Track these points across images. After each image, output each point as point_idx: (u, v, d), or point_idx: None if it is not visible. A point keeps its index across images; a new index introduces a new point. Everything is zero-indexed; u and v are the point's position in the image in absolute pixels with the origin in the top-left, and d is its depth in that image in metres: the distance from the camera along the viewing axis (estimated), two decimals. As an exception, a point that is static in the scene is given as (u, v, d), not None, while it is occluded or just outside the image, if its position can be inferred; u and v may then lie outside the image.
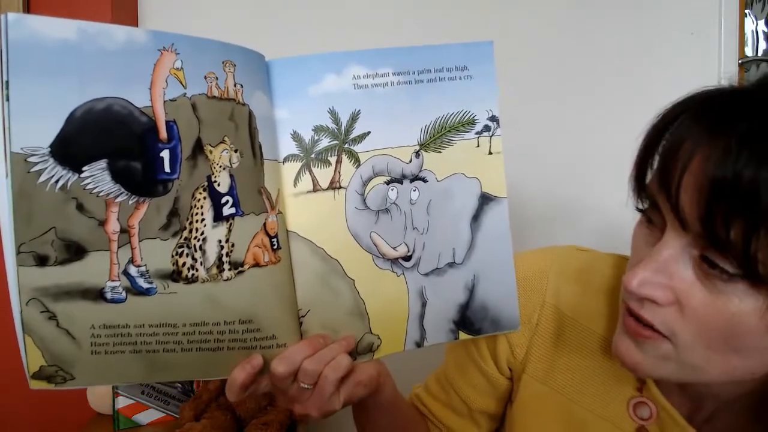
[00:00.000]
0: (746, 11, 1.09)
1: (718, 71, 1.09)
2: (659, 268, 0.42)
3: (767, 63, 1.07)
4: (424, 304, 0.56)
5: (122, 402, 1.00)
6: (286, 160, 0.52)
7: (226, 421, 0.89)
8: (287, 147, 0.52)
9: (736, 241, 0.37)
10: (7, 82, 0.38)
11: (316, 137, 0.52)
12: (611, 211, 1.09)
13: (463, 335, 0.57)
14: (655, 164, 0.44)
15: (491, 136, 0.55)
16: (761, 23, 1.09)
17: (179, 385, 1.03)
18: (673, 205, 0.41)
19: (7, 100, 0.38)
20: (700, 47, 1.10)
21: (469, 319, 0.57)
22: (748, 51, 1.10)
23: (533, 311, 0.60)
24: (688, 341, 0.42)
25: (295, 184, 0.52)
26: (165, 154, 0.44)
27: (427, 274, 0.56)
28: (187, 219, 0.46)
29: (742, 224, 0.37)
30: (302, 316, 0.52)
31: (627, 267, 0.48)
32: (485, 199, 0.56)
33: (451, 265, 0.56)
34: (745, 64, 1.09)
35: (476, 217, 0.56)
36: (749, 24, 1.09)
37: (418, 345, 0.56)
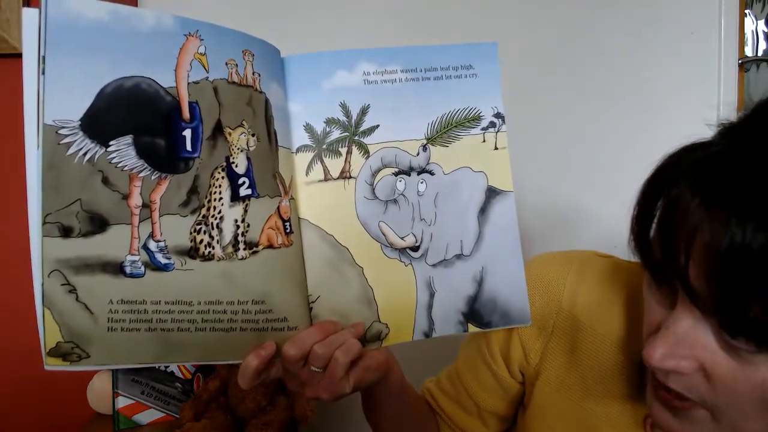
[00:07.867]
0: (746, 11, 1.10)
1: (718, 71, 1.10)
2: (678, 340, 0.40)
3: (767, 63, 1.08)
4: (432, 295, 0.57)
5: (122, 402, 0.99)
6: (299, 150, 0.54)
7: (226, 421, 0.88)
8: (300, 138, 0.54)
9: (757, 320, 0.35)
10: (44, 57, 0.41)
11: (327, 129, 0.55)
12: (610, 211, 1.10)
13: (472, 328, 0.58)
14: (657, 234, 0.42)
15: (497, 132, 0.58)
16: (761, 23, 1.10)
17: (179, 385, 1.02)
18: (685, 286, 0.38)
19: (43, 74, 0.41)
20: (700, 47, 1.10)
21: (478, 312, 0.58)
22: (748, 51, 1.11)
23: (549, 317, 0.59)
24: (721, 407, 0.41)
25: (307, 173, 0.54)
26: (187, 133, 0.46)
27: (434, 265, 0.57)
28: (206, 197, 0.48)
29: (759, 301, 0.35)
30: (312, 302, 0.53)
31: (644, 328, 0.46)
32: (492, 193, 0.58)
33: (459, 257, 0.57)
34: (745, 64, 1.10)
35: (483, 210, 0.58)
36: (749, 24, 1.10)
37: (427, 336, 0.57)
